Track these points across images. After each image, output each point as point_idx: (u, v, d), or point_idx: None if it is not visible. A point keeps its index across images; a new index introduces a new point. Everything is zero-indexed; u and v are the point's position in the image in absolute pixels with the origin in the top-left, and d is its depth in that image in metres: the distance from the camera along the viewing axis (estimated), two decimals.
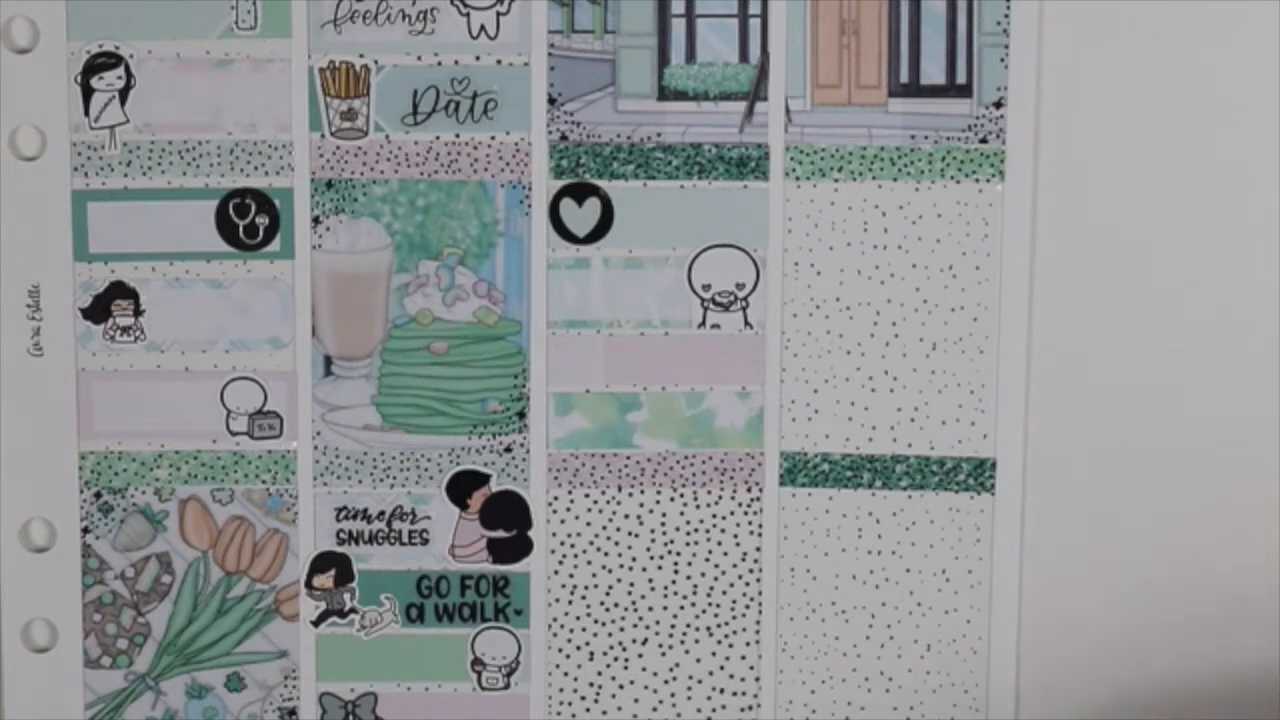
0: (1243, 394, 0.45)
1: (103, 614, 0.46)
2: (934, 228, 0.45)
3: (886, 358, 0.45)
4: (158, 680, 0.46)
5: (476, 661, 0.46)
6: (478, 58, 0.44)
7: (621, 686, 0.46)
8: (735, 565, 0.46)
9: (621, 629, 0.46)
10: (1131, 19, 0.44)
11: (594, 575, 0.46)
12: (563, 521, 0.45)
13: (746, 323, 0.45)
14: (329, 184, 0.44)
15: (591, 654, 0.46)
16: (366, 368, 0.45)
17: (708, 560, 0.46)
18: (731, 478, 0.45)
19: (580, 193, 0.45)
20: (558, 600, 0.46)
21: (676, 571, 0.46)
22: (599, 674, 0.46)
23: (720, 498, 0.46)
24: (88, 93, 0.44)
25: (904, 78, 0.44)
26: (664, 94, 0.44)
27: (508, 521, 0.45)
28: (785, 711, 0.46)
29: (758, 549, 0.46)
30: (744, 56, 0.44)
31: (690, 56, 0.44)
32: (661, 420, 0.45)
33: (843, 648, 0.46)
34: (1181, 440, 0.45)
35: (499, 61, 0.44)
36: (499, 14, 0.44)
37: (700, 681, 0.46)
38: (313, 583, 0.46)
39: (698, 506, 0.46)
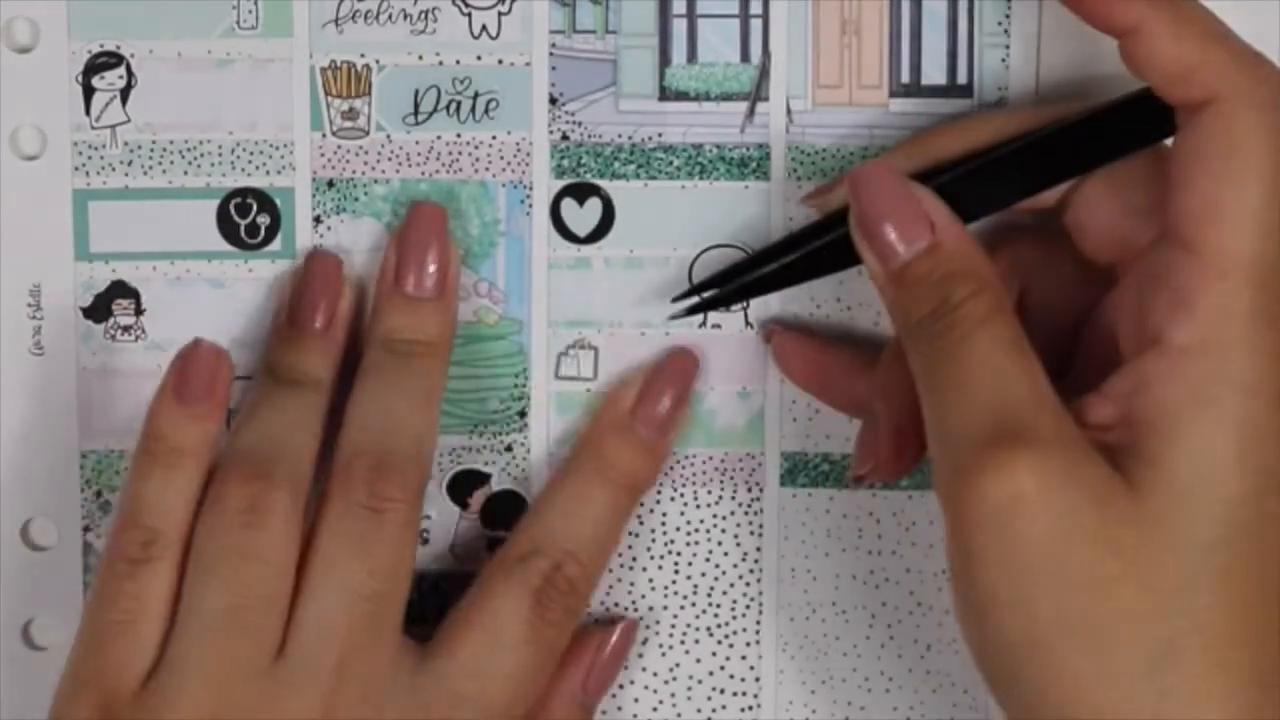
0: None
1: None
2: None
3: None
4: None
5: None
6: (479, 57, 0.44)
7: (621, 686, 0.46)
8: (736, 565, 0.46)
9: None
10: None
11: None
12: None
13: (747, 323, 0.45)
14: (330, 183, 0.44)
15: None
16: None
17: (708, 560, 0.46)
18: (732, 478, 0.46)
19: (581, 192, 0.45)
20: None
21: (677, 571, 0.46)
22: None
23: (721, 498, 0.46)
24: (89, 92, 0.44)
25: (905, 78, 0.44)
26: (665, 94, 0.44)
27: (508, 521, 0.45)
28: (785, 712, 0.46)
29: (758, 549, 0.46)
30: (745, 56, 0.44)
31: (691, 56, 0.44)
32: None
33: (843, 648, 0.46)
34: None
35: (500, 61, 0.44)
36: (500, 14, 0.44)
37: (700, 682, 0.46)
38: None
39: (698, 506, 0.46)
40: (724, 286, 0.42)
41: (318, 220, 0.45)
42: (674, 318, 0.43)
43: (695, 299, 0.43)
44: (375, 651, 0.40)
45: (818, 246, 0.41)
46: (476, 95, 0.44)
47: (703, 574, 0.46)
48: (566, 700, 0.44)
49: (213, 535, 0.40)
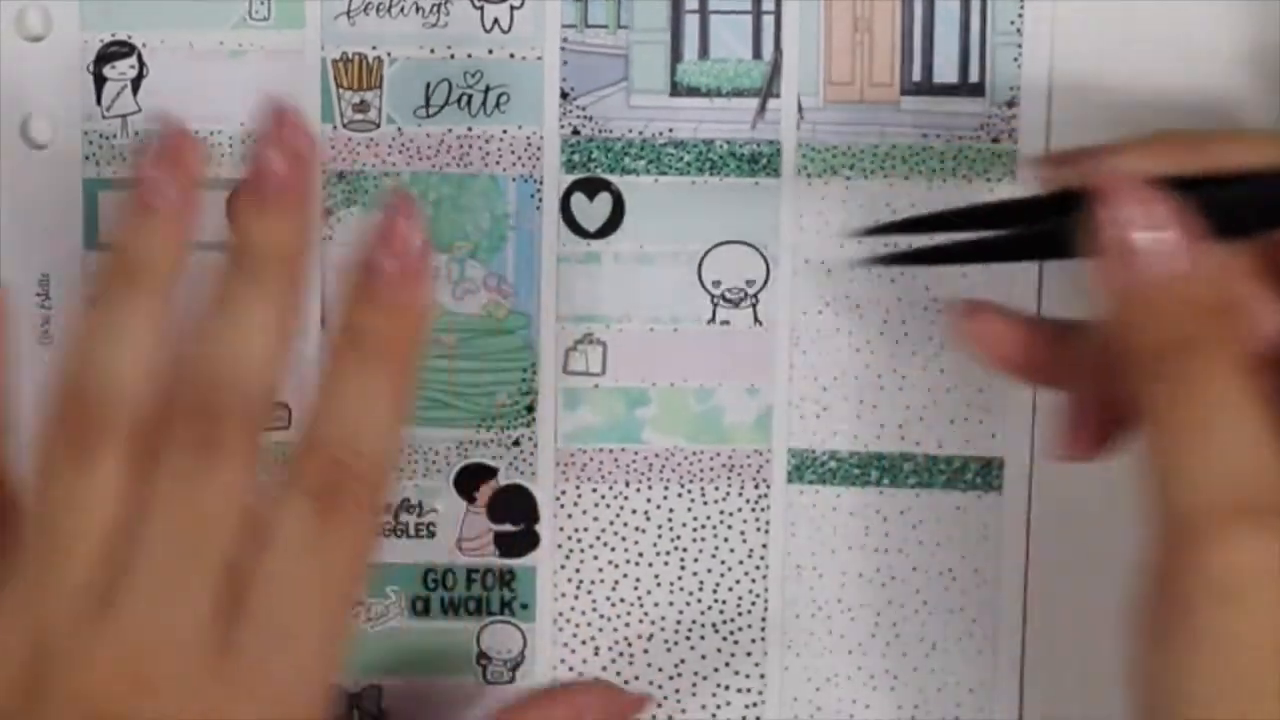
0: None
1: None
2: None
3: (895, 356, 0.45)
4: None
5: (482, 655, 0.46)
6: (490, 51, 0.44)
7: (626, 682, 0.46)
8: (742, 562, 0.46)
9: (627, 624, 0.46)
10: (1146, 18, 0.44)
11: (600, 570, 0.46)
12: (570, 516, 0.45)
13: (756, 319, 0.45)
14: (340, 175, 0.44)
15: (597, 649, 0.46)
16: None
17: (714, 556, 0.46)
18: (739, 474, 0.45)
19: (591, 187, 0.45)
20: (564, 595, 0.46)
21: (683, 568, 0.46)
22: (604, 669, 0.46)
23: (728, 494, 0.46)
24: (100, 82, 0.44)
25: (916, 76, 0.44)
26: (676, 90, 0.44)
27: (515, 515, 0.45)
28: (790, 709, 0.46)
29: (765, 546, 0.46)
30: (757, 53, 0.44)
31: (703, 52, 0.44)
32: (670, 416, 0.45)
33: (848, 645, 0.46)
34: None
35: (512, 55, 0.44)
36: (512, 7, 0.44)
37: (705, 678, 0.46)
38: None
39: (705, 503, 0.46)
40: (913, 239, 0.39)
41: (328, 212, 0.45)
42: (860, 264, 0.40)
43: (884, 248, 0.40)
44: (193, 591, 0.36)
45: (1035, 231, 0.37)
46: (488, 89, 0.44)
47: (709, 570, 0.46)
48: None
49: (40, 483, 0.37)
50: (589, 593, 0.46)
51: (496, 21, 0.44)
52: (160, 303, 0.37)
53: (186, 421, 0.36)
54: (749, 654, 0.46)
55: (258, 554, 0.37)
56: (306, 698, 0.37)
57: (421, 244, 0.38)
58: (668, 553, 0.46)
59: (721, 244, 0.45)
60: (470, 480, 0.45)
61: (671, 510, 0.46)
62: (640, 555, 0.46)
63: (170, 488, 0.36)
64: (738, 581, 0.46)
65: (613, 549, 0.46)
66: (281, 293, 0.38)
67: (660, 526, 0.46)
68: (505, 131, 0.44)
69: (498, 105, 0.44)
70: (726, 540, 0.46)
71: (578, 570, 0.46)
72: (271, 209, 0.38)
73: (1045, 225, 0.37)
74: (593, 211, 0.45)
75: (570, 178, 0.45)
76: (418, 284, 0.38)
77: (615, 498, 0.45)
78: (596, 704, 0.44)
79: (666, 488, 0.45)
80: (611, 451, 0.45)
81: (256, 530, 0.37)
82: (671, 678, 0.46)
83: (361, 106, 0.44)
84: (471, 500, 0.46)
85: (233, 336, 0.37)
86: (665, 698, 0.46)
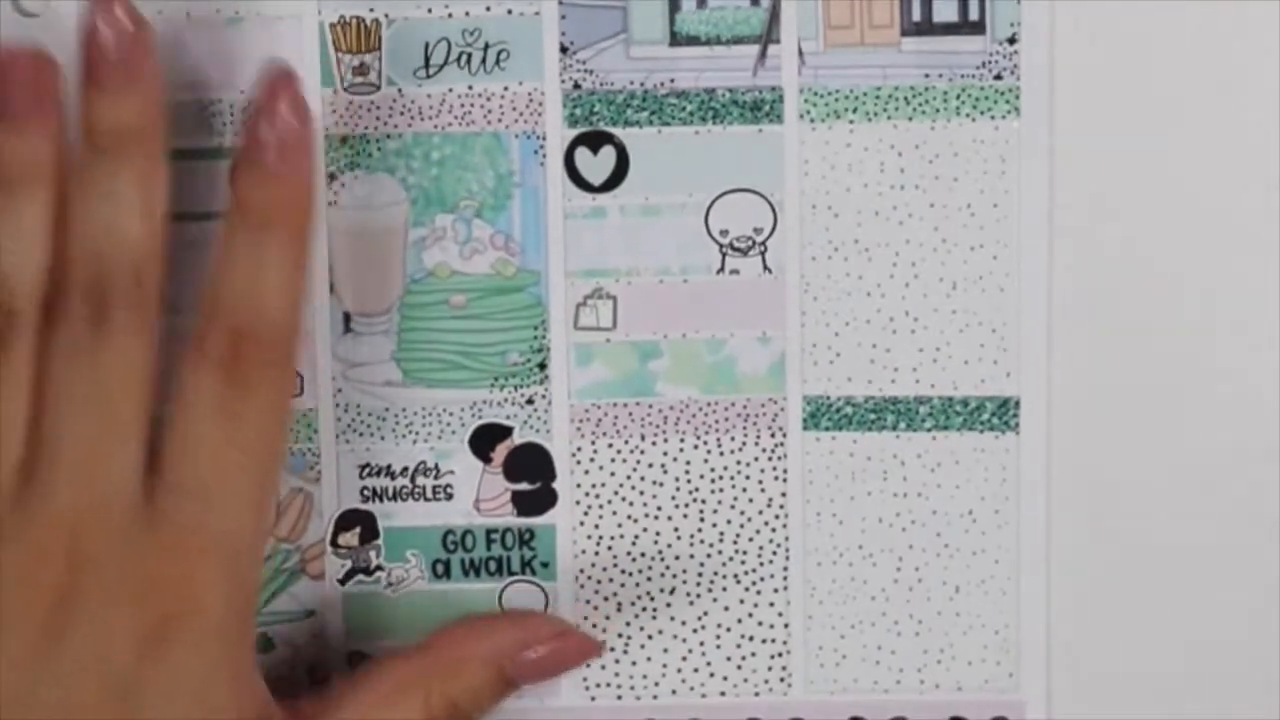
0: (1271, 324, 0.45)
1: None
2: (951, 166, 0.44)
3: (907, 298, 0.45)
4: None
5: None
6: (488, 8, 0.44)
7: (650, 637, 0.46)
8: (761, 512, 0.46)
9: (649, 579, 0.46)
10: None
11: (619, 526, 0.46)
12: (586, 472, 0.45)
13: (765, 267, 0.45)
14: (343, 139, 0.44)
15: (619, 605, 0.46)
16: (386, 323, 0.45)
17: (733, 507, 0.46)
18: (755, 423, 0.45)
19: (595, 141, 0.44)
20: (584, 552, 0.46)
21: (702, 520, 0.46)
22: (627, 624, 0.46)
23: (744, 444, 0.45)
24: None
25: (916, 16, 0.44)
26: (676, 39, 0.44)
27: (532, 474, 0.45)
28: (815, 657, 0.46)
29: (783, 494, 0.46)
30: None
31: (701, 1, 0.44)
32: (683, 367, 0.45)
33: (871, 592, 0.46)
34: (1206, 372, 0.45)
35: (510, 11, 0.44)
36: None
37: (729, 630, 0.46)
38: (338, 541, 0.46)
39: (722, 454, 0.45)
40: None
41: (331, 177, 0.44)
42: None
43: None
44: (113, 458, 0.39)
45: None
46: (487, 46, 0.44)
47: (728, 521, 0.46)
48: (487, 657, 0.43)
49: None
50: (609, 549, 0.46)
51: None
52: (48, 200, 0.40)
53: (80, 299, 0.39)
54: (772, 604, 0.46)
55: (172, 422, 0.39)
56: (232, 553, 0.40)
57: (301, 115, 0.40)
58: (686, 505, 0.46)
59: (727, 193, 0.45)
60: (486, 440, 0.45)
61: (688, 462, 0.45)
62: (659, 509, 0.46)
63: (75, 364, 0.39)
64: (758, 531, 0.46)
65: (631, 504, 0.45)
66: (145, 171, 0.40)
67: (678, 479, 0.45)
68: (506, 88, 0.44)
69: (498, 62, 0.44)
70: (745, 490, 0.46)
71: (597, 527, 0.46)
72: (110, 85, 0.40)
73: None
74: (597, 165, 0.45)
75: (573, 132, 0.44)
76: (299, 153, 0.40)
77: (631, 452, 0.45)
78: (545, 636, 0.44)
79: (682, 440, 0.45)
80: (626, 406, 0.45)
81: (170, 399, 0.40)
82: (695, 631, 0.46)
83: (361, 69, 0.44)
84: (488, 460, 0.45)
85: (108, 216, 0.39)
86: (690, 651, 0.46)
